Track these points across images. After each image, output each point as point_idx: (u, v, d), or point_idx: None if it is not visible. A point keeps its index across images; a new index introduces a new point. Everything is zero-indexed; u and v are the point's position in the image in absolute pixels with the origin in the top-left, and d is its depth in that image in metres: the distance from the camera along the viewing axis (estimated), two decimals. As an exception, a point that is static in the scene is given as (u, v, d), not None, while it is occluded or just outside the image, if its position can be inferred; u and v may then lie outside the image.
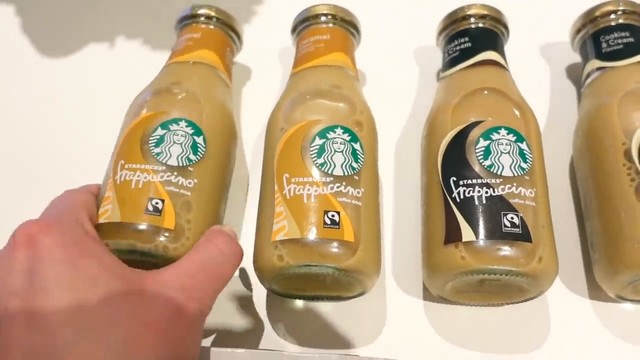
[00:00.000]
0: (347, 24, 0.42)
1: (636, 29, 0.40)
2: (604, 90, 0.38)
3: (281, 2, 0.53)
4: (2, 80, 0.49)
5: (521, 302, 0.35)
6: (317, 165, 0.33)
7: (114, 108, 0.47)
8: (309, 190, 0.33)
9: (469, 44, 0.40)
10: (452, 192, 0.33)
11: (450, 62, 0.40)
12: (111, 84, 0.48)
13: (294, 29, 0.43)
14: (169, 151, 0.33)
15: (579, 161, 0.39)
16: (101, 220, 0.31)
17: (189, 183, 0.33)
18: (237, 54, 0.45)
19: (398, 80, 0.48)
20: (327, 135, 0.35)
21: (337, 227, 0.32)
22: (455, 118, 0.36)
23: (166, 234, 0.31)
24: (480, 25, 0.41)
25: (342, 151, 0.34)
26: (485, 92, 0.37)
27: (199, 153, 0.34)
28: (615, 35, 0.40)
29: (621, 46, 0.39)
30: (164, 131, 0.34)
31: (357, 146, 0.35)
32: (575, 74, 0.47)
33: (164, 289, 0.27)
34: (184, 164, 0.33)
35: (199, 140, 0.34)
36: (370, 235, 0.33)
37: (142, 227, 0.31)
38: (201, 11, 0.42)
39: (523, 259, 0.31)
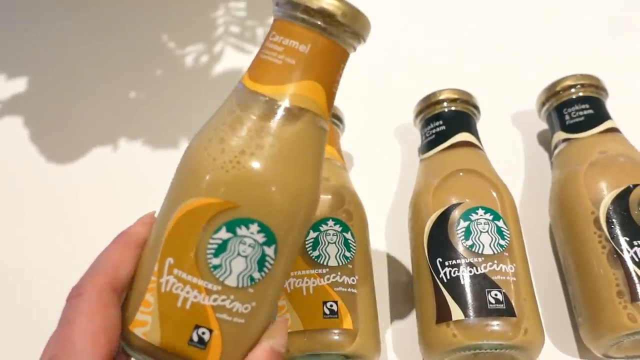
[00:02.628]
0: (331, 117, 0.45)
1: (595, 100, 0.43)
2: (571, 162, 0.41)
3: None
4: (14, 186, 0.53)
5: (515, 369, 0.37)
6: (313, 257, 0.36)
7: (120, 207, 0.50)
8: (307, 282, 0.36)
9: (444, 127, 0.43)
10: (439, 273, 0.36)
11: (428, 145, 0.44)
12: (117, 185, 0.51)
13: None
14: (230, 266, 0.26)
15: (555, 227, 0.42)
16: (136, 331, 0.26)
17: (245, 309, 0.26)
18: None
19: (383, 157, 0.51)
20: (320, 228, 0.38)
21: (336, 316, 0.35)
22: (436, 200, 0.39)
23: None
24: (453, 108, 0.44)
25: (335, 242, 0.37)
26: (461, 173, 0.40)
27: (264, 270, 0.26)
28: (577, 107, 0.43)
29: (582, 118, 0.43)
30: (229, 235, 0.26)
31: (348, 235, 0.38)
32: (547, 140, 0.50)
33: None
34: (245, 285, 0.26)
35: (269, 251, 0.26)
36: (367, 319, 0.36)
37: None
38: None
39: (510, 333, 0.34)
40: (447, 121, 0.44)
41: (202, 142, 0.27)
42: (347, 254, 0.37)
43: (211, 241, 0.25)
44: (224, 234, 0.25)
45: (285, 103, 0.26)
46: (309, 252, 0.37)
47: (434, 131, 0.44)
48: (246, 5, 0.64)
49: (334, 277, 0.36)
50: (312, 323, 0.34)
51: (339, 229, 0.38)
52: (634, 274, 0.34)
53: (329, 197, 0.40)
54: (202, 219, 0.26)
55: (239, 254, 0.26)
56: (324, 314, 0.35)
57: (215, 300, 0.26)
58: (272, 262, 0.26)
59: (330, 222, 0.38)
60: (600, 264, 0.36)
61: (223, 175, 0.25)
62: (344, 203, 0.40)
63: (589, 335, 0.36)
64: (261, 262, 0.26)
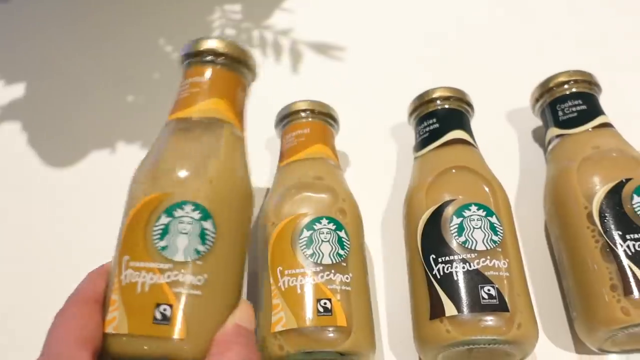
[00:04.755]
0: (325, 117, 0.46)
1: (588, 96, 0.43)
2: (564, 157, 0.41)
3: (266, 93, 0.57)
4: (14, 190, 0.53)
5: (510, 364, 0.37)
6: (307, 256, 0.37)
7: (118, 210, 0.50)
8: (301, 281, 0.36)
9: (437, 125, 0.44)
10: (433, 269, 0.36)
11: (422, 143, 0.44)
12: (115, 188, 0.52)
13: (277, 124, 0.47)
14: (175, 244, 0.30)
15: (549, 223, 0.42)
16: (108, 329, 0.29)
17: (199, 280, 0.29)
18: None
19: (379, 157, 0.51)
20: (314, 226, 0.38)
21: (330, 313, 0.35)
22: (430, 197, 0.39)
23: (178, 343, 0.28)
24: (446, 106, 0.44)
25: (328, 241, 0.37)
26: (454, 170, 0.40)
27: (207, 242, 0.30)
28: (570, 103, 0.43)
29: (575, 114, 0.43)
30: (169, 219, 0.30)
31: (342, 234, 0.38)
32: (542, 136, 0.50)
33: None
34: (192, 258, 0.30)
35: (207, 225, 0.31)
36: (361, 317, 0.36)
37: (151, 341, 0.28)
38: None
39: (504, 328, 0.34)
40: (440, 119, 0.44)
41: (145, 157, 0.34)
42: (341, 252, 0.37)
43: (155, 228, 0.30)
44: (164, 219, 0.30)
45: (196, 117, 0.35)
46: (303, 251, 0.37)
47: (427, 129, 0.44)
48: (242, 8, 0.64)
49: (327, 275, 0.36)
50: (306, 320, 0.34)
51: (333, 227, 0.38)
52: (627, 268, 0.34)
53: (323, 195, 0.40)
54: (145, 213, 0.31)
55: (180, 232, 0.30)
56: (318, 311, 0.35)
57: (169, 277, 0.29)
58: (213, 235, 0.31)
59: (324, 221, 0.38)
60: (594, 259, 0.36)
61: (160, 175, 0.32)
62: (338, 201, 0.40)
63: (583, 329, 0.36)
64: (202, 236, 0.30)
